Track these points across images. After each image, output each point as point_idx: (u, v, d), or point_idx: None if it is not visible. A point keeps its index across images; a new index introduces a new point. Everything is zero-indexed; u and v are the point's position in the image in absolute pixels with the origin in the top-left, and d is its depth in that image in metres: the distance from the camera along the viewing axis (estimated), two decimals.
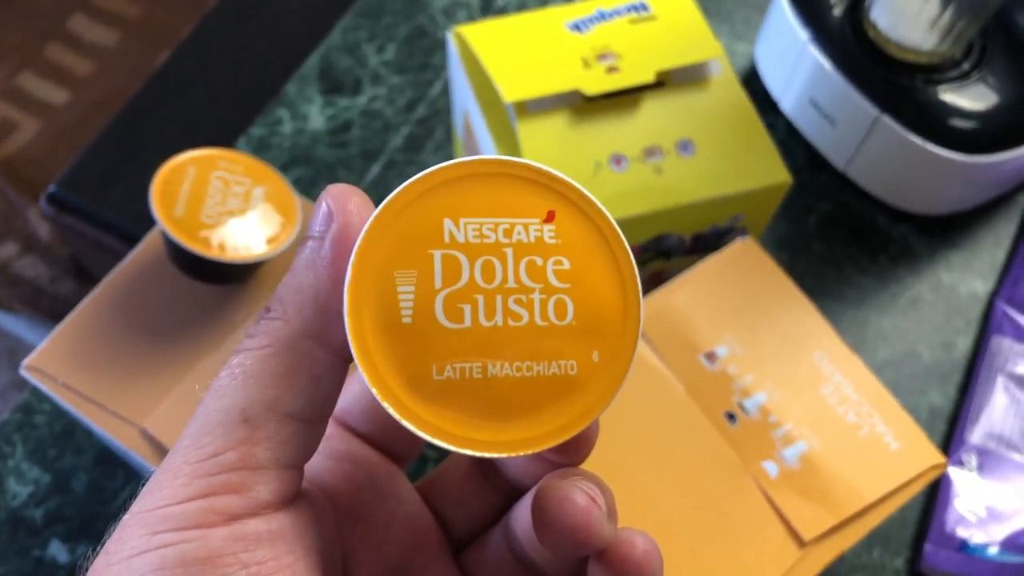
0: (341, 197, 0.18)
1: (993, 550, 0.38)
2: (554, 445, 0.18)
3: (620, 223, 0.19)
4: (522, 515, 0.20)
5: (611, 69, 0.36)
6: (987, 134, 0.43)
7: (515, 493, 0.22)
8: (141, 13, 0.76)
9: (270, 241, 0.34)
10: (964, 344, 0.45)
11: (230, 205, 0.34)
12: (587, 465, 0.20)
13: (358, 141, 0.49)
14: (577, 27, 0.38)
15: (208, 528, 0.17)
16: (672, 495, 0.30)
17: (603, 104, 0.36)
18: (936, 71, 0.43)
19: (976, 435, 0.41)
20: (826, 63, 0.44)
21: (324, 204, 0.18)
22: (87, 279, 0.72)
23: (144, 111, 0.52)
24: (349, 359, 0.18)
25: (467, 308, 0.17)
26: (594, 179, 0.35)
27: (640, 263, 0.38)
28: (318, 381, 0.18)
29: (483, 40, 0.37)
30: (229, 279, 0.35)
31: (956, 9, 0.40)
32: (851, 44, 0.44)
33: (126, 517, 0.17)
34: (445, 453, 0.18)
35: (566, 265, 0.18)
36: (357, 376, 0.22)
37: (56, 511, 0.39)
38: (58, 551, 0.38)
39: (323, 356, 0.18)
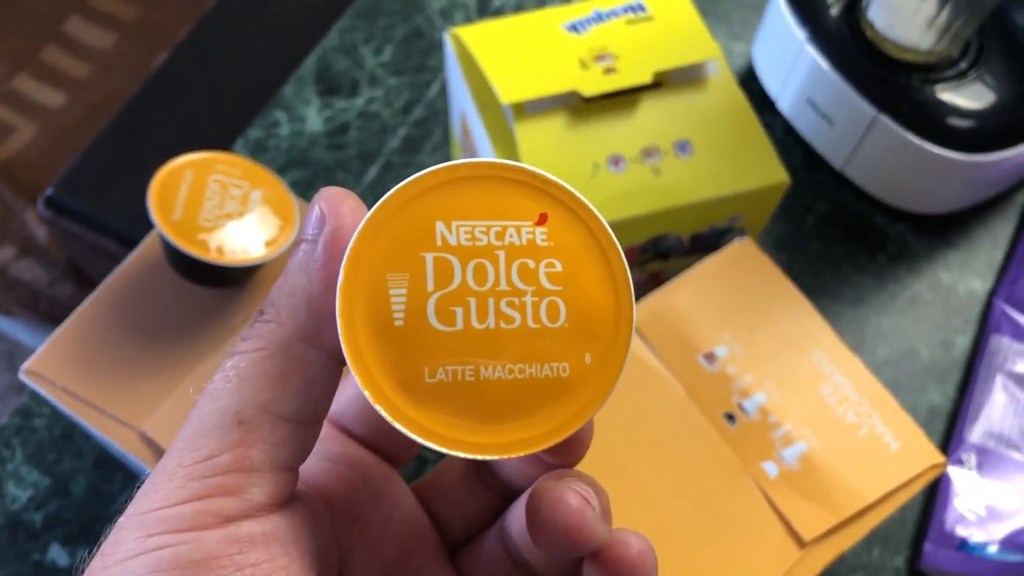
0: (334, 200, 0.18)
1: (993, 549, 0.38)
2: (547, 447, 0.18)
3: (618, 224, 0.19)
4: (517, 516, 0.20)
5: (608, 70, 0.36)
6: (985, 133, 0.43)
7: (510, 494, 0.22)
8: (138, 15, 0.75)
9: (268, 244, 0.34)
10: (963, 343, 0.45)
11: (228, 208, 0.34)
12: (586, 466, 0.20)
13: (355, 143, 0.49)
14: (574, 28, 0.38)
15: (203, 530, 0.17)
16: (672, 496, 0.30)
17: (601, 105, 0.36)
18: (933, 70, 0.43)
19: (975, 434, 0.41)
20: (823, 63, 0.44)
21: (317, 207, 0.18)
22: (85, 282, 0.72)
23: (141, 113, 0.52)
24: (343, 361, 0.18)
25: (459, 311, 0.17)
26: (592, 180, 0.35)
27: (638, 264, 0.38)
28: (312, 383, 0.18)
29: (480, 41, 0.37)
30: (227, 282, 0.35)
31: (953, 8, 0.40)
32: (848, 44, 0.44)
33: (122, 519, 0.17)
34: (442, 455, 0.18)
35: (558, 268, 0.18)
36: (352, 379, 0.22)
37: (56, 515, 0.39)
38: (58, 555, 0.38)
39: (317, 359, 0.18)
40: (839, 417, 0.32)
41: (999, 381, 0.42)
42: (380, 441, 0.23)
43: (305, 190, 0.47)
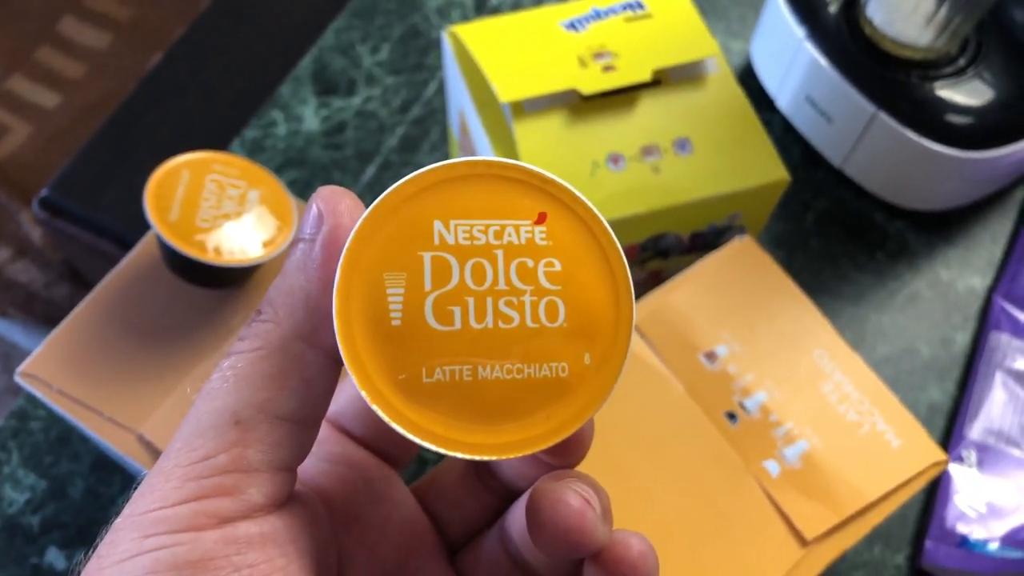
0: (332, 199, 0.18)
1: (993, 546, 0.38)
2: (545, 447, 0.17)
3: (618, 223, 0.18)
4: (517, 517, 0.20)
5: (607, 68, 0.36)
6: (983, 130, 0.43)
7: (510, 495, 0.22)
8: (132, 15, 0.75)
9: (266, 244, 0.34)
10: (962, 340, 0.45)
11: (225, 209, 0.34)
12: (586, 466, 0.20)
13: (353, 142, 0.49)
14: (573, 26, 0.38)
15: (200, 531, 0.16)
16: (673, 495, 0.30)
17: (600, 103, 0.36)
18: (932, 67, 0.43)
19: (975, 431, 0.41)
20: (822, 60, 0.44)
21: (314, 206, 0.18)
22: (81, 283, 0.72)
23: (137, 114, 0.52)
24: (341, 361, 0.18)
25: (457, 310, 0.17)
26: (591, 179, 0.35)
27: (638, 262, 0.38)
28: (309, 383, 0.18)
29: (478, 40, 0.37)
30: (225, 283, 0.35)
31: (952, 5, 0.40)
32: (847, 41, 0.44)
33: (118, 520, 0.17)
34: (441, 456, 0.18)
35: (557, 267, 0.18)
36: (349, 379, 0.22)
37: (53, 518, 0.38)
38: (55, 558, 0.38)
39: (314, 358, 0.18)
40: (840, 415, 0.32)
41: (999, 378, 0.42)
42: (379, 442, 0.23)
43: (302, 190, 0.47)
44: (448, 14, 0.54)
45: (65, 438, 0.40)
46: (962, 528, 0.39)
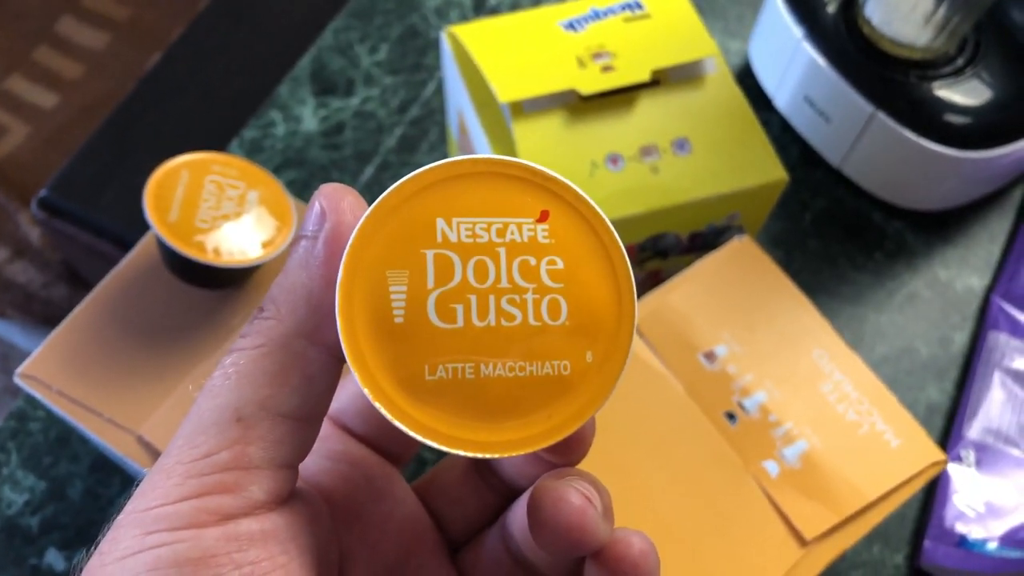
0: (334, 196, 0.18)
1: (992, 545, 0.38)
2: (547, 445, 0.17)
3: (617, 223, 0.18)
4: (518, 515, 0.20)
5: (606, 68, 0.36)
6: (982, 130, 0.43)
7: (512, 493, 0.22)
8: (130, 15, 0.75)
9: (265, 245, 0.34)
10: (961, 340, 0.45)
11: (225, 209, 0.34)
12: (587, 465, 0.20)
13: (351, 143, 0.49)
14: (571, 26, 0.38)
15: (201, 528, 0.16)
16: (673, 496, 0.30)
17: (599, 103, 0.36)
18: (930, 67, 0.43)
19: (974, 431, 0.41)
20: (820, 60, 0.44)
21: (317, 203, 0.18)
22: (80, 284, 0.71)
23: (135, 114, 0.52)
24: (343, 358, 0.18)
25: (460, 308, 0.17)
26: (590, 179, 0.35)
27: (637, 263, 0.38)
28: (312, 380, 0.18)
29: (477, 40, 0.37)
30: (225, 284, 0.35)
31: (950, 5, 0.40)
32: (845, 41, 0.44)
33: (120, 517, 0.17)
34: (442, 454, 0.18)
35: (560, 265, 0.18)
36: (352, 376, 0.22)
37: (52, 519, 0.38)
38: (55, 559, 0.38)
39: (316, 355, 0.18)
40: (840, 415, 0.32)
41: (997, 377, 0.42)
42: (381, 439, 0.23)
43: (301, 190, 0.47)
44: (446, 14, 0.54)
45: (64, 439, 0.40)
46: (961, 528, 0.39)
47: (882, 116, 0.43)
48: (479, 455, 0.17)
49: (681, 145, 0.36)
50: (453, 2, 0.54)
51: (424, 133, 0.49)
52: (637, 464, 0.30)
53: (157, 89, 0.53)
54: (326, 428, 0.23)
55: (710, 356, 0.32)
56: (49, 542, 0.38)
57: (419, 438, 0.17)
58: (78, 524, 0.38)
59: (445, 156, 0.48)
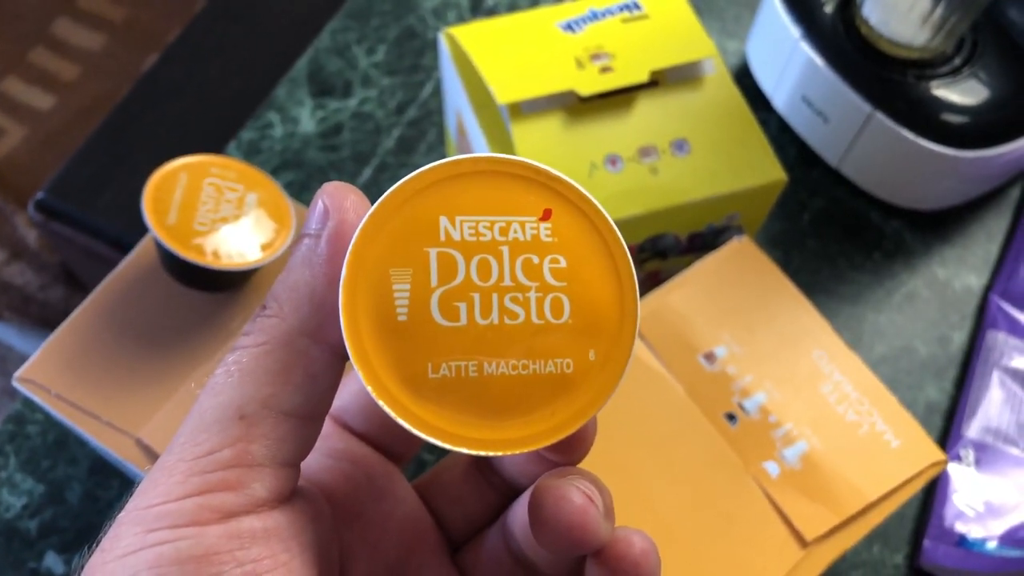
0: (337, 195, 0.18)
1: (992, 545, 0.38)
2: (549, 444, 0.18)
3: (616, 224, 0.18)
4: (519, 514, 0.20)
5: (605, 69, 0.36)
6: (979, 129, 0.43)
7: (513, 492, 0.22)
8: (127, 16, 0.75)
9: (264, 248, 0.34)
10: (959, 339, 0.45)
11: (223, 212, 0.34)
12: (587, 466, 0.20)
13: (349, 144, 0.49)
14: (569, 27, 0.38)
15: (203, 526, 0.16)
16: (673, 496, 0.30)
17: (597, 104, 0.36)
18: (928, 67, 0.43)
19: (973, 430, 0.41)
20: (818, 60, 0.44)
21: (320, 202, 0.18)
22: (77, 286, 0.71)
23: (132, 115, 0.51)
24: (345, 357, 0.18)
25: (463, 306, 0.17)
26: (589, 180, 0.35)
27: (636, 263, 0.38)
28: (314, 378, 0.18)
29: (475, 41, 0.37)
30: (224, 286, 0.35)
31: (948, 4, 0.40)
32: (843, 41, 0.44)
33: (121, 515, 0.17)
34: (443, 455, 0.18)
35: (562, 263, 0.18)
36: (355, 374, 0.22)
37: (51, 522, 0.38)
38: (54, 563, 0.38)
39: (319, 353, 0.18)
40: (840, 416, 0.32)
41: (996, 377, 0.42)
42: (383, 438, 0.23)
43: (299, 192, 0.47)
44: (444, 15, 0.54)
45: (63, 442, 0.40)
46: (960, 527, 0.39)
47: (880, 116, 0.43)
48: (482, 453, 0.17)
49: (680, 146, 0.36)
50: (450, 3, 0.54)
51: (422, 134, 0.49)
52: (637, 465, 0.30)
53: (154, 90, 0.53)
54: (328, 426, 0.23)
55: (710, 357, 0.32)
56: (48, 545, 0.38)
57: (422, 436, 0.17)
58: (77, 527, 0.38)
59: (443, 157, 0.48)
